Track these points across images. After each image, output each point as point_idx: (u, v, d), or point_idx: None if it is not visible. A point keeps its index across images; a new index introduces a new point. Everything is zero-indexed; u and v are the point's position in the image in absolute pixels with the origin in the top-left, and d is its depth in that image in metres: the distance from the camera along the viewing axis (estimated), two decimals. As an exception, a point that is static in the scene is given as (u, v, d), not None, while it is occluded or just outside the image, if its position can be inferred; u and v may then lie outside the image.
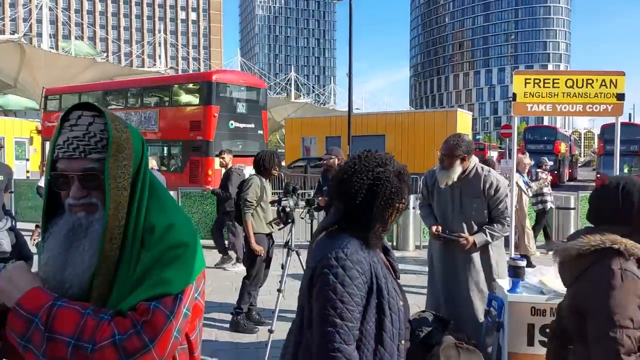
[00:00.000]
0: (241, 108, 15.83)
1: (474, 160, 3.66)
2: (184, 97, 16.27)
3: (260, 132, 16.85)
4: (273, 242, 5.40)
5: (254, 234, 5.12)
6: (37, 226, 4.99)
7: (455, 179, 3.62)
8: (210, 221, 9.77)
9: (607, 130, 27.27)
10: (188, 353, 1.41)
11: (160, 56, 45.62)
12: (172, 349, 1.27)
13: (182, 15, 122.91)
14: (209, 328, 5.26)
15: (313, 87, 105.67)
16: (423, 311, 2.39)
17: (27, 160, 27.79)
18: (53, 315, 1.20)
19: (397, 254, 10.10)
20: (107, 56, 51.99)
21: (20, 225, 5.23)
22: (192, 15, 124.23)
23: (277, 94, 64.37)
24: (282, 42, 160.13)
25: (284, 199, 4.31)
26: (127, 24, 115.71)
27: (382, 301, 1.69)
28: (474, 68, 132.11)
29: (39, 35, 35.95)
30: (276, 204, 4.51)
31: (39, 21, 35.86)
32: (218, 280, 7.29)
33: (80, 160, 1.31)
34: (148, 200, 1.37)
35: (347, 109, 21.48)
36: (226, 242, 8.17)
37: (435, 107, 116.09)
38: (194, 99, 15.83)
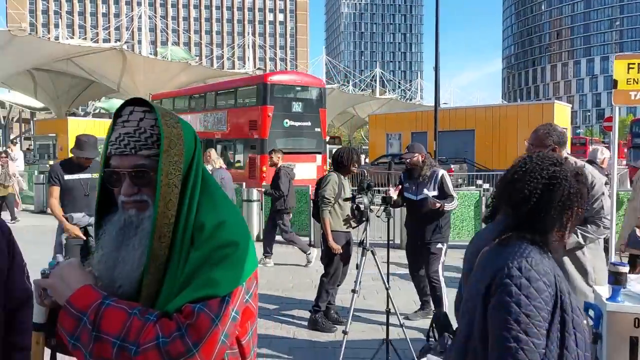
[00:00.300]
0: (297, 107, 16.37)
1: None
2: (245, 99, 17.08)
3: (318, 129, 17.17)
4: (352, 239, 5.31)
5: (332, 231, 5.06)
6: None
7: None
8: (296, 218, 9.92)
9: None
10: (240, 357, 1.34)
11: (248, 58, 47.10)
12: (219, 354, 1.21)
13: (270, 17, 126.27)
14: (287, 325, 5.28)
15: (399, 82, 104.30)
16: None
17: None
18: (101, 315, 1.19)
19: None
20: (201, 60, 54.62)
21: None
22: (280, 17, 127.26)
23: (361, 91, 64.26)
24: (368, 38, 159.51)
25: (358, 196, 4.18)
26: (218, 28, 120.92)
27: (566, 318, 1.52)
28: (573, 58, 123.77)
29: (139, 42, 38.46)
30: (350, 202, 4.39)
31: (140, 29, 38.40)
32: (298, 276, 7.33)
33: (131, 157, 1.29)
34: (200, 197, 1.32)
35: (433, 104, 20.90)
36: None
37: (531, 100, 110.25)
38: (253, 100, 16.62)
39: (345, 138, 57.22)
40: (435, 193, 5.09)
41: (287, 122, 16.06)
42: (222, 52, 70.57)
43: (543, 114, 22.80)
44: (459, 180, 20.87)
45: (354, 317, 5.22)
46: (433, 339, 2.07)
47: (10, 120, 46.54)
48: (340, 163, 5.09)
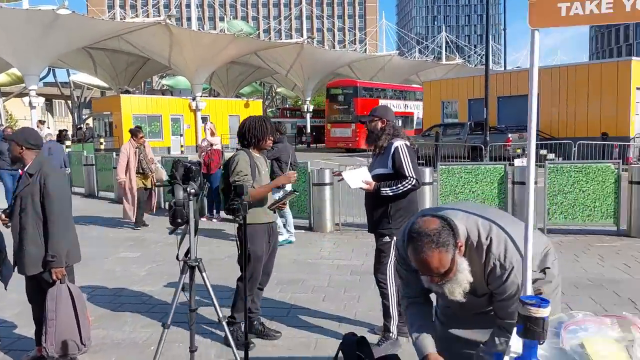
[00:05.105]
0: None
1: None
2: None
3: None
4: (274, 231, 4.28)
5: (250, 224, 4.02)
6: None
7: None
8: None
9: None
10: None
11: (296, 29, 45.66)
12: None
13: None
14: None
15: (475, 46, 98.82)
16: None
17: (181, 135, 29.95)
18: None
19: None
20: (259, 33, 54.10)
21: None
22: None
23: (426, 57, 61.28)
24: (441, 2, 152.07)
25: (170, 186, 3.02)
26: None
27: None
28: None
29: (189, 19, 38.37)
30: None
31: (188, 6, 38.23)
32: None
33: None
34: None
35: (509, 68, 18.77)
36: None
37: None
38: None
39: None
40: (385, 170, 3.94)
41: None
42: (279, 25, 69.30)
43: (619, 72, 20.07)
44: (518, 150, 18.86)
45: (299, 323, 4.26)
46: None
47: (84, 101, 48.64)
48: (248, 137, 4.00)
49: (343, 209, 8.93)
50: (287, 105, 65.24)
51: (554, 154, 18.93)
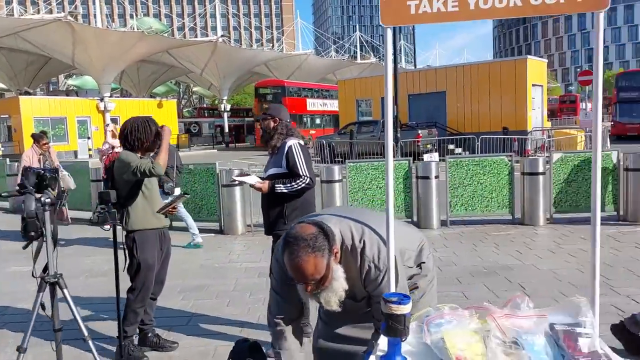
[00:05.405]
0: None
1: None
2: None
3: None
4: (166, 237, 4.11)
5: (138, 230, 3.83)
6: None
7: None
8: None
9: None
10: None
11: (212, 27, 44.81)
12: None
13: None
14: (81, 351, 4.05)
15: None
16: None
17: (89, 138, 28.38)
18: None
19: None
20: (173, 31, 52.48)
21: None
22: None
23: (342, 56, 62.39)
24: (356, 2, 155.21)
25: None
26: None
27: None
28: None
29: (95, 16, 36.49)
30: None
31: (94, 1, 36.31)
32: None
33: None
34: None
35: (420, 67, 19.34)
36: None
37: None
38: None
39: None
40: (280, 170, 3.91)
41: None
42: (194, 22, 67.82)
43: (516, 70, 21.39)
44: (428, 146, 19.60)
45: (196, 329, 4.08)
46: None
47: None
48: (130, 140, 3.80)
49: (255, 209, 8.79)
50: (205, 105, 63.89)
51: (460, 149, 19.88)
